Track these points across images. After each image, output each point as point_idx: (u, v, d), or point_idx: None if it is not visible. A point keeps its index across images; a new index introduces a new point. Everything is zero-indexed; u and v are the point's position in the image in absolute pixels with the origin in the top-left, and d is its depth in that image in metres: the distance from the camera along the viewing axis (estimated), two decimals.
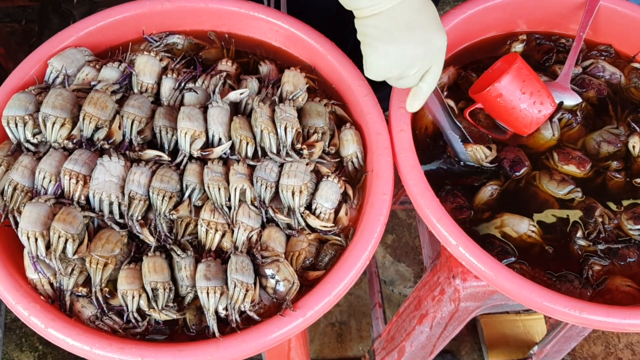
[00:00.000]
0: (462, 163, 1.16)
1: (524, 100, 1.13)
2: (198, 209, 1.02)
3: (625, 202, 1.13)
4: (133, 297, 0.93)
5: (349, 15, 0.98)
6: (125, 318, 0.94)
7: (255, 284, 0.95)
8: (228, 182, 1.02)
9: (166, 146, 1.06)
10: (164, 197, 0.99)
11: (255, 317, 0.94)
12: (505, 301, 1.20)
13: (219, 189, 1.00)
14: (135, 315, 0.94)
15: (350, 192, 1.07)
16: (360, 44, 0.97)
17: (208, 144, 1.06)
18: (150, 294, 0.94)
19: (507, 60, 1.18)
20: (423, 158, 1.08)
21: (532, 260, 1.07)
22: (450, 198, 1.11)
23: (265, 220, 1.02)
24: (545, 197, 1.13)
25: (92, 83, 1.09)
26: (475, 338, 2.05)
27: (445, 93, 1.19)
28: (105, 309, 0.95)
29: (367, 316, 2.07)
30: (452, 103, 1.20)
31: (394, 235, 2.21)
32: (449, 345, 1.73)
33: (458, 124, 1.14)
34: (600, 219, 1.10)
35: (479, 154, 1.14)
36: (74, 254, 0.93)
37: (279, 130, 1.04)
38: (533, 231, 1.09)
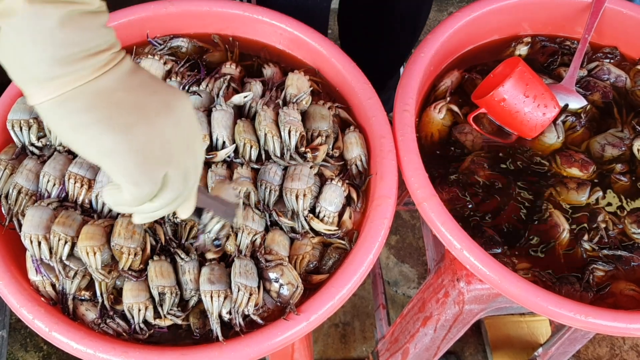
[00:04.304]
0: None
1: (528, 104, 1.13)
2: None
3: (628, 206, 1.13)
4: (139, 310, 0.94)
5: (321, 10, 0.91)
6: (132, 328, 0.94)
7: (259, 287, 0.95)
8: None
9: None
10: None
11: (259, 321, 0.94)
12: (510, 304, 1.20)
13: None
14: (142, 326, 0.94)
15: (354, 195, 1.07)
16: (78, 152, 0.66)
17: (212, 147, 1.06)
18: (157, 299, 0.94)
19: (509, 64, 1.17)
20: (427, 163, 1.07)
21: (533, 259, 1.07)
22: (445, 188, 1.11)
23: (269, 223, 1.02)
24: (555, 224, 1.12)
25: None
26: (480, 339, 2.04)
27: (448, 98, 1.19)
28: (111, 315, 0.95)
29: (370, 317, 2.06)
30: (456, 108, 1.20)
31: (398, 236, 2.21)
32: (453, 346, 1.72)
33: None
34: (603, 225, 1.09)
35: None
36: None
37: (282, 133, 1.04)
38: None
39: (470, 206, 1.11)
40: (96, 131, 0.61)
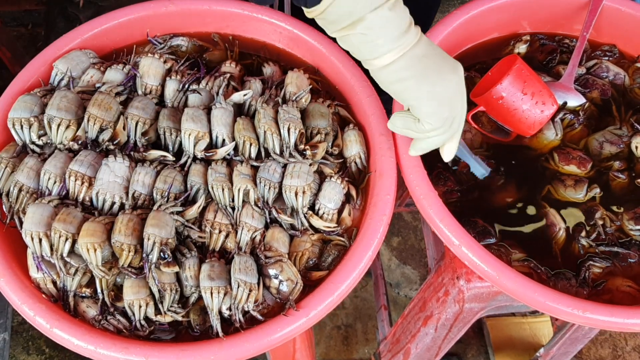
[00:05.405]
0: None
1: (526, 101, 1.13)
2: (202, 210, 1.02)
3: (626, 203, 1.13)
4: (140, 307, 0.94)
5: None
6: (133, 325, 0.95)
7: (258, 284, 0.95)
8: (232, 182, 1.02)
9: (170, 147, 1.06)
10: (168, 198, 1.00)
11: (259, 317, 0.94)
12: (510, 302, 1.20)
13: (223, 190, 1.01)
14: (143, 322, 0.94)
15: (353, 192, 1.07)
16: (393, 95, 0.95)
17: (212, 145, 1.06)
18: (157, 296, 0.95)
19: (506, 62, 1.17)
20: (426, 161, 1.08)
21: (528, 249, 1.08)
22: (441, 181, 1.12)
23: (268, 220, 1.03)
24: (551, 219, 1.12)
25: (97, 85, 1.10)
26: (482, 341, 2.04)
27: None
28: (112, 312, 0.95)
29: (373, 319, 2.07)
30: None
31: (400, 238, 2.21)
32: (455, 348, 1.72)
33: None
34: (600, 222, 1.09)
35: None
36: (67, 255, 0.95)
37: (282, 131, 1.05)
38: None
39: (465, 199, 1.11)
40: (412, 82, 0.90)
